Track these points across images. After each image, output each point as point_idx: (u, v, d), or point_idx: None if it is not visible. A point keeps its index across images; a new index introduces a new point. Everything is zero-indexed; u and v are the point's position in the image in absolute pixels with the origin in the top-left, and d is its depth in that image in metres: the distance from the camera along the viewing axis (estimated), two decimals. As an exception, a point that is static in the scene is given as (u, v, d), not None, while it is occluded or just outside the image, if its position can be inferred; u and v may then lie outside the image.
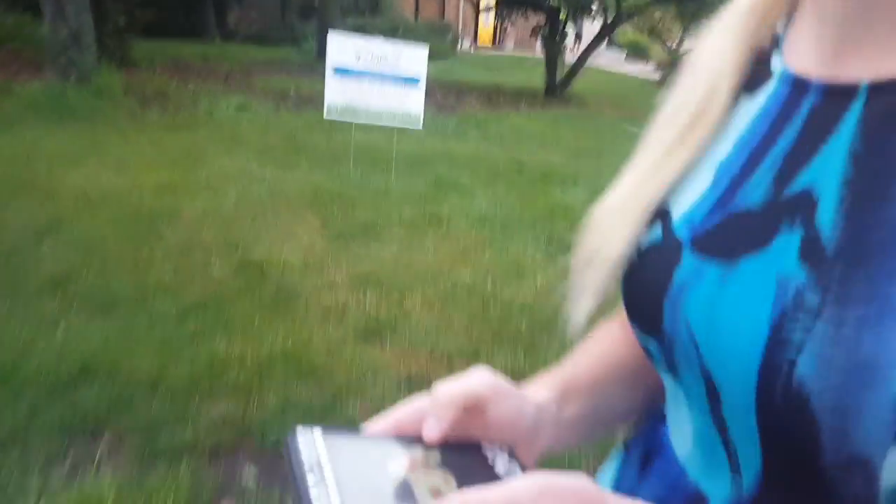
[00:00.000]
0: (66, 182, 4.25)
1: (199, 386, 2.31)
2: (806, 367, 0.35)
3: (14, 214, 3.65)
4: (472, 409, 0.43)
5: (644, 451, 0.55)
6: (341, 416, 2.20)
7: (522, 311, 3.04)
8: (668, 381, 0.48)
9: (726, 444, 0.43)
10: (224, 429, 2.12)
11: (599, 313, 0.53)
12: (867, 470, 0.35)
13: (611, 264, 0.49)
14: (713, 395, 0.42)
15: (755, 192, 0.41)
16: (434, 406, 0.42)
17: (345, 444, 0.40)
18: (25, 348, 2.44)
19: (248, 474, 1.95)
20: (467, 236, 3.97)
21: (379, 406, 2.26)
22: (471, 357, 2.60)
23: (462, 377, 0.44)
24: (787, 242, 0.38)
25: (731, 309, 0.39)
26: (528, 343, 2.77)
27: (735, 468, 0.43)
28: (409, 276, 3.29)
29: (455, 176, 5.20)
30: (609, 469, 0.60)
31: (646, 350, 0.48)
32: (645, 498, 0.50)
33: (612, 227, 0.50)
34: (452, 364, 2.54)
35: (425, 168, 5.36)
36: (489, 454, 0.44)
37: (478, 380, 0.44)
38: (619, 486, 0.56)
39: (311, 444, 0.39)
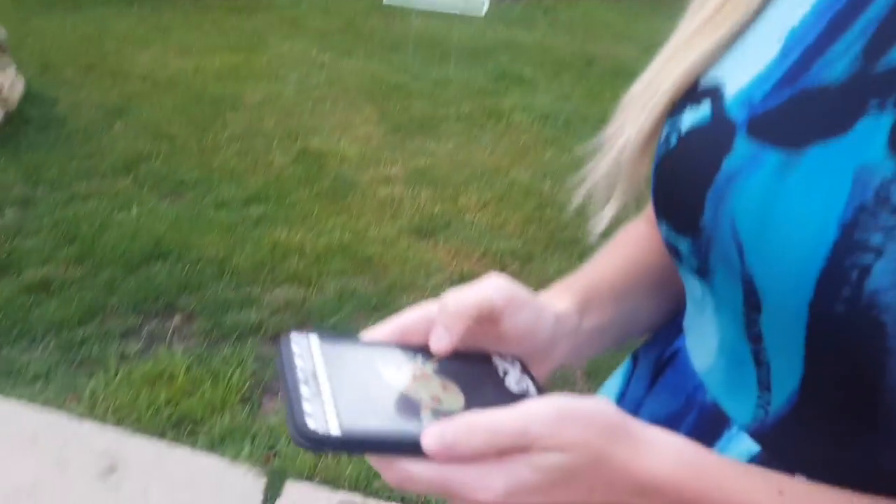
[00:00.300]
0: (135, 64, 4.30)
1: (263, 271, 2.44)
2: (882, 277, 0.30)
3: (88, 94, 3.76)
4: (485, 319, 0.40)
5: (655, 362, 0.51)
6: (394, 310, 2.29)
7: (581, 216, 3.00)
8: (694, 287, 0.44)
9: (758, 358, 0.39)
10: (285, 313, 2.25)
11: (625, 214, 0.49)
12: None
13: (631, 154, 0.44)
14: (752, 304, 0.37)
15: (836, 64, 0.35)
16: (443, 315, 0.38)
17: (343, 352, 0.37)
18: (103, 227, 2.60)
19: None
20: (528, 133, 3.88)
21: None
22: (524, 260, 2.63)
23: (475, 285, 0.40)
24: (874, 127, 0.32)
25: (792, 204, 0.34)
26: (584, 249, 2.77)
27: (765, 386, 0.39)
28: (465, 173, 3.28)
29: (518, 68, 5.01)
30: (614, 381, 0.57)
31: (673, 250, 0.43)
32: (653, 412, 0.48)
33: (636, 111, 0.44)
34: (504, 265, 2.58)
35: (486, 59, 5.17)
36: (500, 367, 0.41)
37: (492, 288, 0.40)
38: (624, 400, 0.53)
39: (307, 351, 0.36)
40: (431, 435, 0.32)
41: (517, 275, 2.56)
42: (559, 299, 0.47)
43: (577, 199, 0.49)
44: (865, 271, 0.31)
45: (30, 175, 2.90)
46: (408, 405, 0.35)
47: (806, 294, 0.33)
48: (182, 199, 2.88)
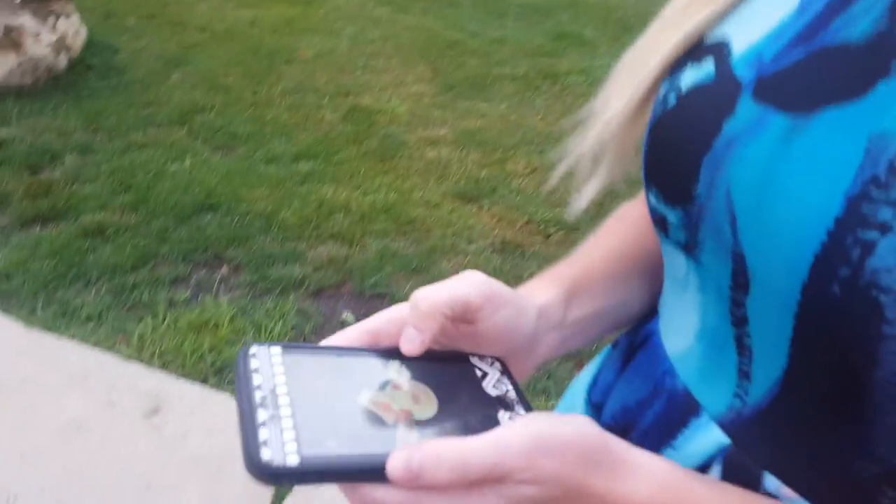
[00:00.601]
0: (194, 14, 4.35)
1: (308, 227, 2.47)
2: (887, 257, 0.28)
3: (148, 43, 3.82)
4: (460, 318, 0.38)
5: (628, 346, 0.49)
6: (435, 271, 2.29)
7: (633, 189, 2.92)
8: (677, 264, 0.41)
9: (740, 344, 0.36)
10: (328, 270, 2.28)
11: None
12: None
13: (618, 127, 0.41)
14: (739, 284, 0.34)
15: (859, 22, 0.31)
16: (414, 315, 0.36)
17: (308, 365, 0.34)
18: (157, 176, 2.67)
19: (347, 315, 2.12)
20: (584, 98, 3.76)
21: (472, 266, 2.33)
22: (569, 230, 2.58)
23: (449, 282, 0.38)
24: (894, 92, 0.29)
25: (795, 174, 0.31)
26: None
27: (745, 375, 0.36)
28: (516, 137, 3.22)
29: (578, 28, 4.84)
30: (591, 367, 0.54)
31: (659, 222, 0.40)
32: (624, 398, 0.46)
33: (625, 80, 0.41)
34: (548, 234, 2.54)
35: (546, 17, 5.01)
36: (478, 369, 0.39)
37: (467, 286, 0.38)
38: (596, 386, 0.51)
39: (267, 366, 0.33)
40: (398, 461, 0.30)
41: (561, 244, 2.52)
42: (543, 290, 0.45)
43: (557, 175, 0.47)
44: (868, 249, 0.28)
45: (90, 122, 2.99)
46: (376, 423, 0.33)
47: (800, 273, 0.30)
48: (234, 153, 2.93)
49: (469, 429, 0.34)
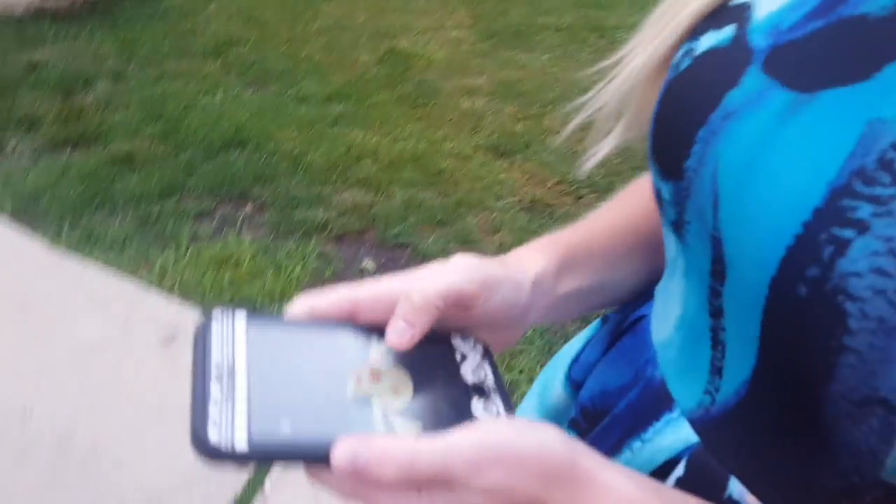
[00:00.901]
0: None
1: (335, 171, 2.44)
2: (859, 259, 0.26)
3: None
4: (453, 307, 0.36)
5: (617, 326, 0.47)
6: (460, 225, 2.25)
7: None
8: (669, 244, 0.39)
9: (715, 338, 0.34)
10: (352, 216, 2.26)
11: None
12: (889, 417, 0.26)
13: (638, 82, 0.39)
14: (717, 271, 0.32)
15: None
16: (406, 308, 0.34)
17: (273, 338, 0.32)
18: (188, 108, 2.65)
19: (368, 263, 2.10)
20: (628, 56, 3.61)
21: (498, 223, 2.29)
22: (601, 192, 2.50)
23: (442, 271, 0.36)
24: None
25: (782, 157, 0.29)
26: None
27: (716, 371, 0.35)
28: (555, 92, 3.11)
29: (631, -19, 4.62)
30: (576, 342, 0.52)
31: (657, 197, 0.38)
32: (604, 381, 0.44)
33: (652, 33, 0.39)
34: (580, 195, 2.47)
35: (599, -32, 4.79)
36: (459, 351, 0.37)
37: (461, 276, 0.36)
38: (577, 363, 0.49)
39: (228, 337, 0.31)
40: (343, 452, 0.29)
41: (591, 207, 2.44)
42: (537, 260, 0.42)
43: (569, 129, 0.44)
44: (841, 249, 0.26)
45: (124, 49, 2.97)
46: (339, 406, 0.31)
47: (770, 267, 0.29)
48: (266, 90, 2.88)
49: (440, 416, 0.33)
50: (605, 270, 0.45)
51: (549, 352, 1.81)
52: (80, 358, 1.65)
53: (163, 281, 1.92)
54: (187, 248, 2.03)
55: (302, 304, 0.35)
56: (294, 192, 2.32)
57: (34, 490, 1.38)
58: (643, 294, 0.47)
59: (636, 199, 0.48)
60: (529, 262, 0.42)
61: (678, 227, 0.36)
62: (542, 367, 1.83)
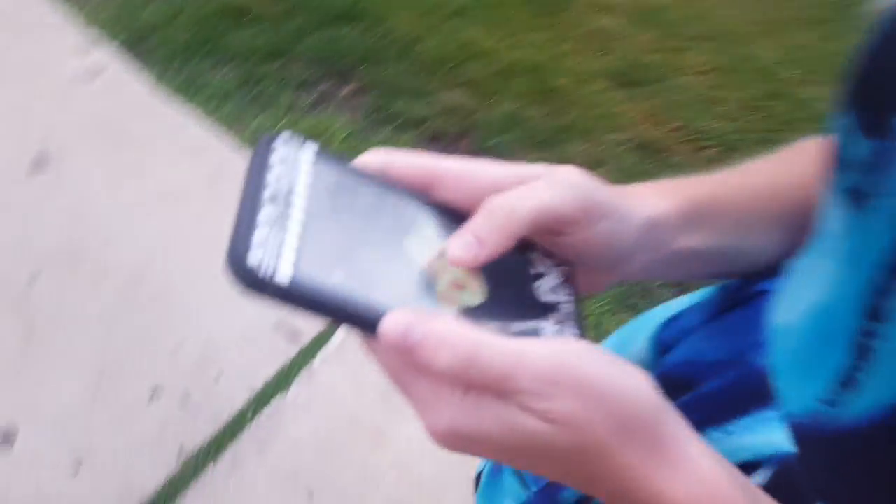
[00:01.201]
0: None
1: (444, 67, 2.32)
2: None
3: None
4: (545, 230, 0.30)
5: (729, 294, 0.42)
6: (561, 151, 2.12)
7: (821, 119, 2.53)
8: (833, 216, 0.33)
9: (863, 342, 0.29)
10: (451, 118, 2.16)
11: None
12: None
13: None
14: None
15: None
16: (483, 223, 0.28)
17: (341, 182, 0.28)
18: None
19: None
20: (790, 5, 3.22)
21: (603, 157, 2.13)
22: (726, 148, 2.28)
23: (538, 186, 0.29)
24: None
25: None
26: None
27: (848, 380, 0.29)
28: (699, 28, 2.81)
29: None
30: (681, 300, 0.47)
31: (839, 156, 0.32)
32: (697, 352, 0.39)
33: None
34: (700, 147, 2.26)
35: None
36: (537, 265, 0.31)
37: (567, 192, 0.29)
38: (673, 322, 0.45)
39: (292, 164, 0.27)
40: (396, 323, 0.25)
41: (710, 162, 2.24)
42: (658, 201, 0.35)
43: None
44: None
45: None
46: (396, 276, 0.27)
47: None
48: (392, -34, 2.74)
49: (507, 326, 0.29)
50: (735, 235, 0.38)
51: (626, 303, 1.70)
52: (162, 202, 1.67)
53: (254, 143, 1.90)
54: (283, 116, 1.99)
55: (378, 156, 0.30)
56: (398, 81, 2.22)
57: (100, 317, 1.43)
58: (770, 272, 0.40)
59: (795, 160, 0.41)
60: (648, 200, 0.35)
61: (858, 197, 0.30)
62: (613, 315, 1.70)
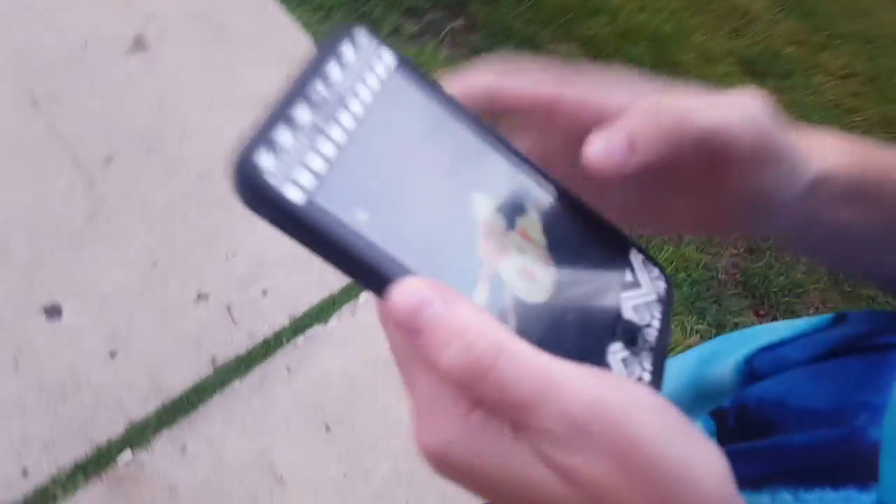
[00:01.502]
0: None
1: (564, 16, 2.17)
2: None
3: None
4: (693, 162, 0.24)
5: (848, 336, 0.35)
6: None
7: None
8: None
9: None
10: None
11: None
12: None
13: None
14: None
15: None
16: (639, 123, 0.23)
17: (414, 105, 0.23)
18: None
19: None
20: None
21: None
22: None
23: (713, 102, 0.24)
24: None
25: None
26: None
27: None
28: (853, 27, 2.52)
29: None
30: (786, 325, 0.41)
31: None
32: (791, 392, 0.34)
33: None
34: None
35: None
36: (633, 271, 0.25)
37: (747, 123, 0.23)
38: (770, 351, 0.39)
39: (359, 66, 0.22)
40: (406, 293, 0.19)
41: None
42: (828, 152, 0.28)
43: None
44: None
45: None
46: (444, 238, 0.21)
47: None
48: None
49: (562, 336, 0.22)
50: None
51: (694, 306, 1.58)
52: (247, 106, 1.64)
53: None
54: (391, 33, 1.92)
55: (484, 77, 0.24)
56: (511, 24, 2.10)
57: (164, 210, 1.44)
58: None
59: None
60: (816, 151, 0.28)
61: None
62: (675, 315, 1.57)
